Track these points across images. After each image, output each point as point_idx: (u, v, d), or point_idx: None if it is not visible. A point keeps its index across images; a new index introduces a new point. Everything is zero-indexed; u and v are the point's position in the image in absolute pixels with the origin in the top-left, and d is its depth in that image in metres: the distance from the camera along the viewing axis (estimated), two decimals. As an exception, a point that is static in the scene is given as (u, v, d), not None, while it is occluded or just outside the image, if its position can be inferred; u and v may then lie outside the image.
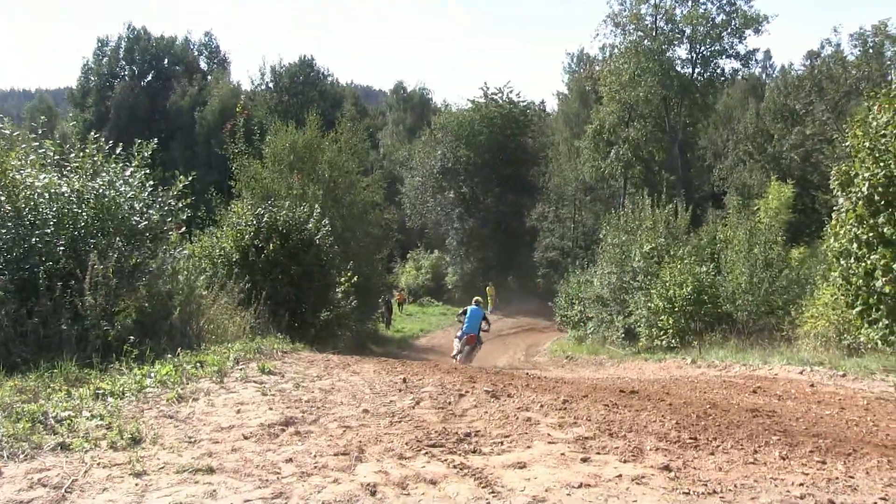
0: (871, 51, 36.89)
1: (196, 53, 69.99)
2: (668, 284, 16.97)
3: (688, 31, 38.09)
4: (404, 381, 6.91)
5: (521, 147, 43.48)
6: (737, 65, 40.17)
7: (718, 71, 39.63)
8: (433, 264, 46.55)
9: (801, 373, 10.16)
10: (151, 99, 62.44)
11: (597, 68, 46.19)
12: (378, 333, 29.14)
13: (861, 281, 10.84)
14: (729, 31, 38.08)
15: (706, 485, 3.93)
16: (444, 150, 43.09)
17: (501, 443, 4.73)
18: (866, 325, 10.94)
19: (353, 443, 4.62)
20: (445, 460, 4.30)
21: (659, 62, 36.82)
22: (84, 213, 8.48)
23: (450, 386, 6.63)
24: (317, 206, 16.80)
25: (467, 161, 42.64)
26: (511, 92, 44.02)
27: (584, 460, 4.36)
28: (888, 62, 35.22)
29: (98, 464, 4.04)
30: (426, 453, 4.44)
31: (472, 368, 12.39)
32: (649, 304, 17.62)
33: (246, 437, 4.69)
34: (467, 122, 42.91)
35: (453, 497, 3.69)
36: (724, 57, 39.03)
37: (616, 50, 40.04)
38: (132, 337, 7.42)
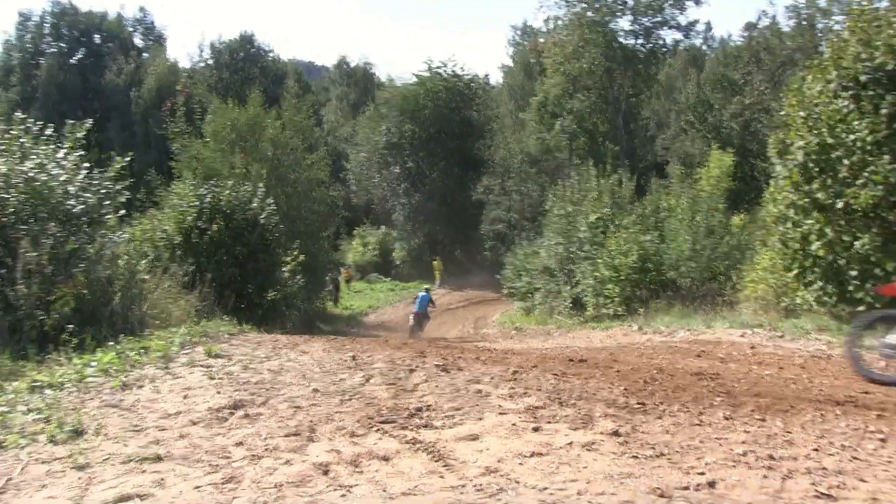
0: (804, 23, 37.59)
1: (130, 30, 67.60)
2: (613, 254, 17.19)
3: (630, 2, 38.27)
4: (354, 358, 6.88)
5: (466, 120, 43.24)
6: (678, 36, 40.62)
7: (661, 42, 40.02)
8: (380, 240, 46.17)
9: (742, 335, 10.46)
10: (83, 77, 59.99)
11: (541, 40, 46.11)
12: (326, 312, 28.91)
13: (797, 245, 11.16)
14: (671, 2, 38.40)
15: (654, 448, 4.02)
16: (389, 124, 42.60)
17: (453, 416, 4.76)
18: (802, 288, 11.30)
19: (303, 423, 4.59)
20: (397, 436, 4.30)
21: (602, 33, 36.93)
22: (12, 199, 8.15)
23: (400, 362, 6.63)
24: (261, 184, 16.56)
25: (412, 135, 42.23)
26: (455, 66, 43.67)
27: (536, 430, 4.41)
28: (819, 34, 35.92)
29: (36, 459, 3.91)
30: (378, 430, 4.44)
31: (422, 343, 12.51)
32: (596, 274, 17.84)
33: (194, 423, 4.61)
34: (412, 96, 42.40)
35: (407, 472, 3.70)
36: (666, 28, 39.40)
37: (560, 22, 40.06)
38: (71, 325, 7.18)
